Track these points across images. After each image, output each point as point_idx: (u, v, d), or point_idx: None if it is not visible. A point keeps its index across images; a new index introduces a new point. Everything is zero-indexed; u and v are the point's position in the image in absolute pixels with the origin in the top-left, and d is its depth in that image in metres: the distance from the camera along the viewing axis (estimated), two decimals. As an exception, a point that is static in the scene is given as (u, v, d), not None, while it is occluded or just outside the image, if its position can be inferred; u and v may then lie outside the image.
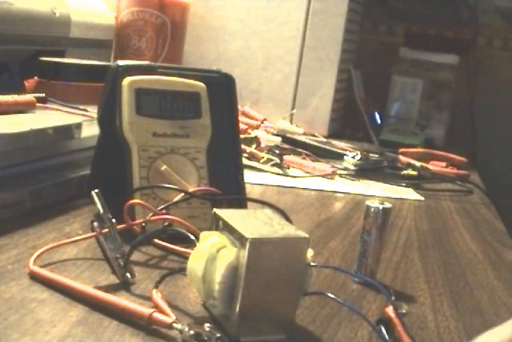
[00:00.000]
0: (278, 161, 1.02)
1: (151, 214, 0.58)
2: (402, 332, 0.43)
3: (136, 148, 0.61)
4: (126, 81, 0.62)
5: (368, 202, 0.56)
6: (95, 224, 0.51)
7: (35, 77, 0.98)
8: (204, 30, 1.37)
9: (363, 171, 1.05)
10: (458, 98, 1.61)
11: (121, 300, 0.44)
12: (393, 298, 0.45)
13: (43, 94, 0.86)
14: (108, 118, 0.63)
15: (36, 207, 0.63)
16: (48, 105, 0.85)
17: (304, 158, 1.08)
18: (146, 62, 0.66)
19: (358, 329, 0.47)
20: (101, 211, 0.52)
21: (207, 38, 1.38)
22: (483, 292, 0.59)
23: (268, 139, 1.12)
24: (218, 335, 0.40)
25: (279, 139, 1.14)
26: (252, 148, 1.04)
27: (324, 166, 1.03)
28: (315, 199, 0.88)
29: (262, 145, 1.07)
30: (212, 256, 0.43)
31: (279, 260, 0.42)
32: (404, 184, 1.03)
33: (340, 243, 0.68)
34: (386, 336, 0.43)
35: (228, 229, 0.44)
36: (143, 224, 0.58)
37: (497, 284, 0.62)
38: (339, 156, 1.09)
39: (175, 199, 0.60)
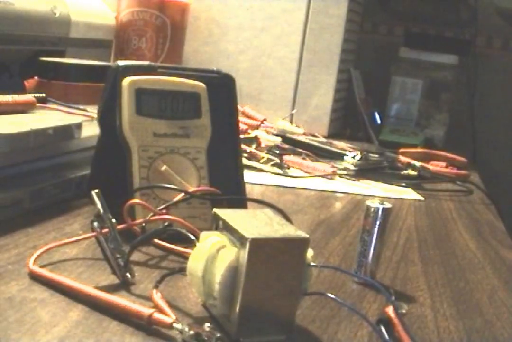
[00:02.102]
0: (278, 161, 1.02)
1: (151, 214, 0.58)
2: (402, 332, 0.43)
3: (136, 148, 0.61)
4: (126, 81, 0.62)
5: (368, 202, 0.56)
6: (95, 224, 0.51)
7: (35, 77, 0.98)
8: (204, 30, 1.37)
9: (363, 171, 1.05)
10: (458, 98, 1.61)
11: (121, 300, 0.44)
12: (393, 298, 0.45)
13: (43, 94, 0.86)
14: (108, 118, 0.63)
15: (36, 207, 0.63)
16: (48, 105, 0.85)
17: (304, 158, 1.08)
18: (146, 62, 0.66)
19: (358, 329, 0.47)
20: (101, 211, 0.52)
21: (207, 38, 1.38)
22: (483, 292, 0.59)
23: (268, 139, 1.12)
24: (218, 335, 0.40)
25: (279, 139, 1.14)
26: (252, 148, 1.04)
27: (324, 166, 1.03)
28: (315, 199, 0.88)
29: (262, 145, 1.07)
30: (212, 256, 0.43)
31: (279, 260, 0.42)
32: (404, 184, 1.03)
33: (340, 243, 0.68)
34: (386, 336, 0.43)
35: (228, 229, 0.44)
36: (143, 224, 0.58)
37: (497, 284, 0.62)
38: (339, 156, 1.09)
39: (175, 199, 0.60)
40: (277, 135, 1.17)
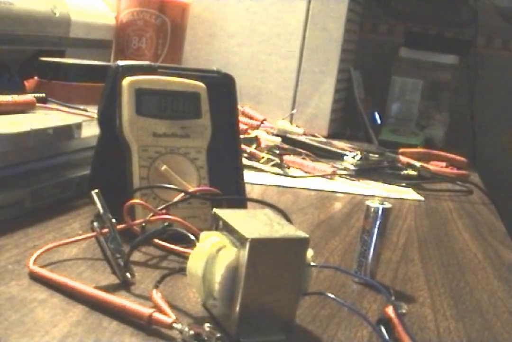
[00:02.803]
0: (278, 161, 1.02)
1: (151, 214, 0.58)
2: (402, 332, 0.43)
3: (136, 148, 0.61)
4: (126, 81, 0.62)
5: (368, 202, 0.56)
6: (95, 224, 0.51)
7: (35, 77, 0.98)
8: (204, 30, 1.37)
9: (363, 171, 1.05)
10: (458, 98, 1.61)
11: (121, 300, 0.44)
12: (393, 298, 0.45)
13: (43, 94, 0.86)
14: (108, 118, 0.63)
15: (36, 207, 0.63)
16: (48, 105, 0.85)
17: (304, 158, 1.08)
18: (146, 62, 0.66)
19: (358, 329, 0.47)
20: (101, 211, 0.52)
21: (207, 38, 1.38)
22: (483, 292, 0.59)
23: (268, 139, 1.12)
24: (218, 335, 0.40)
25: (279, 139, 1.14)
26: (252, 148, 1.04)
27: (324, 167, 1.03)
28: (315, 199, 0.88)
29: (262, 145, 1.07)
30: (212, 256, 0.43)
31: (279, 260, 0.42)
32: (404, 184, 1.03)
33: (340, 243, 0.68)
34: (386, 336, 0.43)
35: (228, 229, 0.44)
36: (143, 224, 0.58)
37: (497, 284, 0.62)
38: (339, 156, 1.09)
39: (175, 199, 0.60)
40: (277, 135, 1.17)
